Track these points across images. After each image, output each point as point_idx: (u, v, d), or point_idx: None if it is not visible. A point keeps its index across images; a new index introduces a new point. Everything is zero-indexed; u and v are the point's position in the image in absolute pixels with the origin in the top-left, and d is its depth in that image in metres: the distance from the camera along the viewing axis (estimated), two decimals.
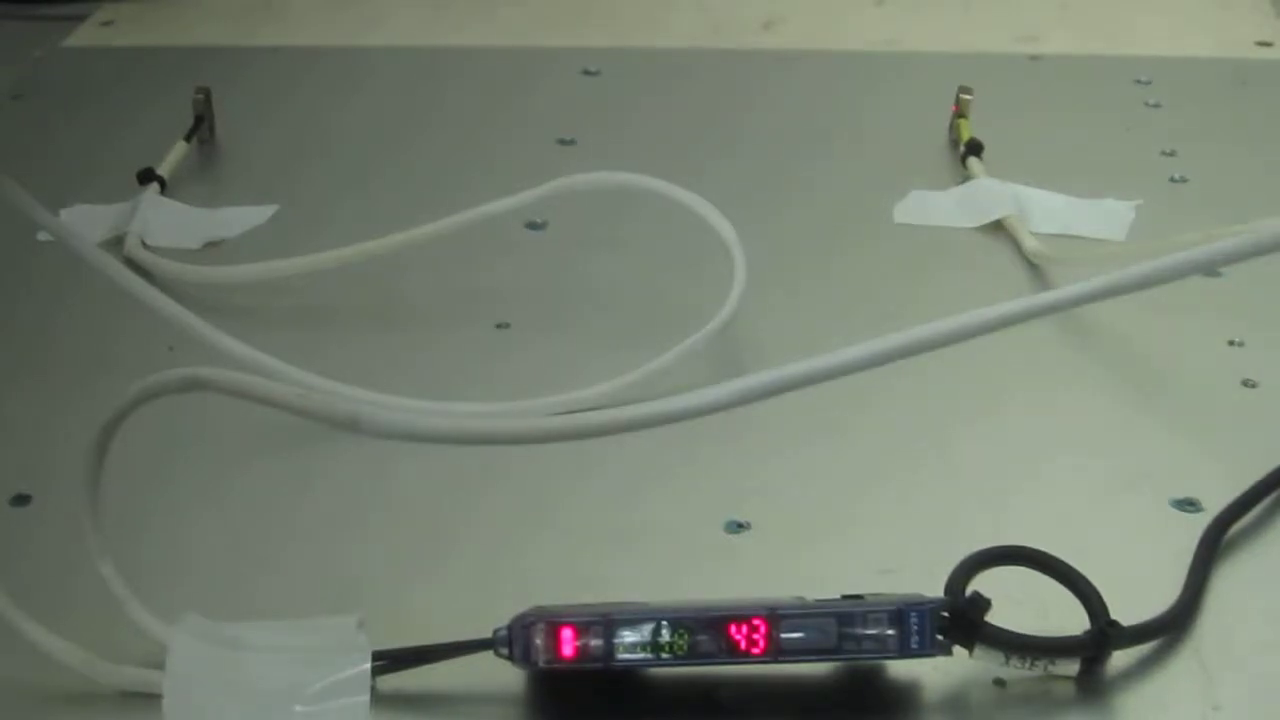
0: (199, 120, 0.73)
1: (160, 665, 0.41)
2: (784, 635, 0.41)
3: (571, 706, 0.42)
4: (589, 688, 0.42)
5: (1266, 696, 0.42)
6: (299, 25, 0.88)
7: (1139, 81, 0.79)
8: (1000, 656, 0.41)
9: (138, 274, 0.58)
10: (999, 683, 0.42)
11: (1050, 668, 0.42)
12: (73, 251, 0.54)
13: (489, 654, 0.41)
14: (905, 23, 0.87)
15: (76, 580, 0.43)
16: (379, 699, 0.42)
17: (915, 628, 0.41)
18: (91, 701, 0.42)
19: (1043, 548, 0.43)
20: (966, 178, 0.69)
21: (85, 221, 0.65)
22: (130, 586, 0.43)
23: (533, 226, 0.66)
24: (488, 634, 0.41)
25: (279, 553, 0.48)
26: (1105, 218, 0.66)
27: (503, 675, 0.42)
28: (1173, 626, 0.43)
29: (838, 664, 0.42)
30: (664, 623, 0.41)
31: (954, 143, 0.72)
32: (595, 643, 0.41)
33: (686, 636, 0.41)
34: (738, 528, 0.48)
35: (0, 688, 0.42)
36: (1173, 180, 0.69)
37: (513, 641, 0.41)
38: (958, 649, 0.41)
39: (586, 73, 0.81)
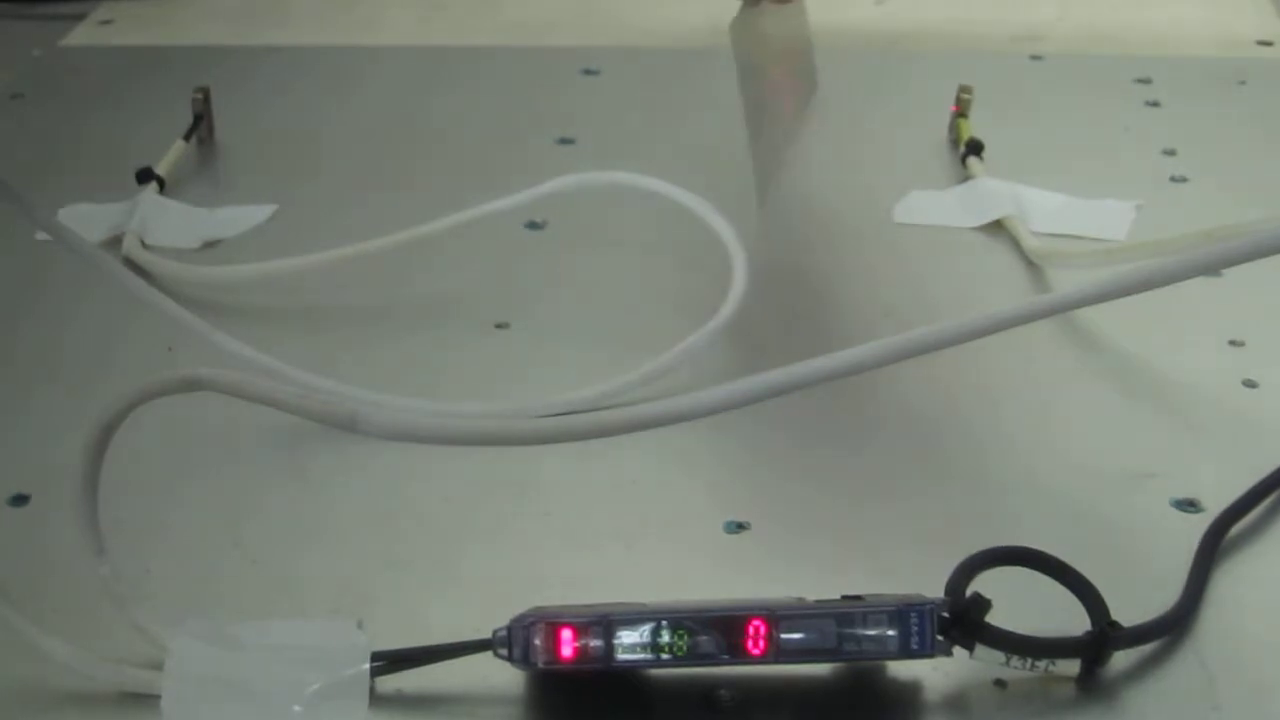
0: (198, 119, 0.73)
1: (160, 665, 0.41)
2: (784, 636, 0.41)
3: (571, 707, 0.42)
4: (588, 688, 0.42)
5: (1267, 697, 0.42)
6: (299, 25, 0.88)
7: (1139, 81, 0.79)
8: (1000, 657, 0.41)
9: (137, 274, 0.58)
10: (999, 683, 0.42)
11: (1050, 668, 0.42)
12: (71, 251, 0.54)
13: (488, 654, 0.41)
14: (905, 22, 0.87)
15: (76, 580, 0.43)
16: (378, 699, 0.42)
17: (915, 628, 0.41)
18: (91, 701, 0.42)
19: (1043, 548, 0.43)
20: (966, 178, 0.69)
21: (84, 221, 0.65)
22: (130, 587, 0.43)
23: (533, 226, 0.66)
24: (487, 634, 0.41)
25: (278, 552, 0.48)
26: (1105, 218, 0.66)
27: (502, 676, 0.42)
28: (1173, 627, 0.43)
29: (838, 664, 0.42)
30: (663, 623, 0.41)
31: (954, 143, 0.72)
32: (595, 643, 0.40)
33: (686, 637, 0.41)
34: (738, 528, 0.48)
35: (0, 688, 0.42)
36: (1173, 180, 0.69)
37: (512, 642, 0.41)
38: (958, 649, 0.41)
39: (586, 73, 0.81)
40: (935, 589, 0.42)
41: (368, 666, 0.41)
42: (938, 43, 0.84)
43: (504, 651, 0.41)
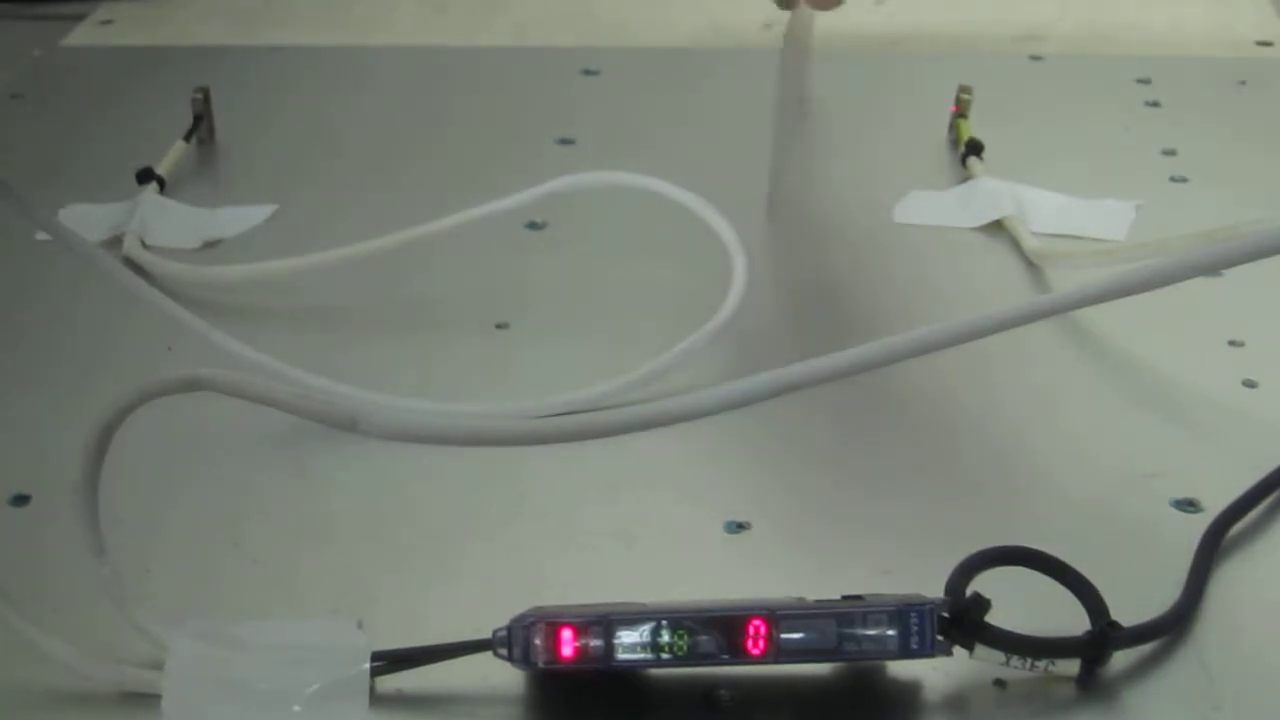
0: (198, 120, 0.73)
1: (160, 665, 0.41)
2: (784, 636, 0.41)
3: (571, 707, 0.42)
4: (588, 688, 0.42)
5: (1267, 697, 0.42)
6: (299, 25, 0.88)
7: (1139, 81, 0.79)
8: (1000, 657, 0.41)
9: (137, 274, 0.58)
10: (999, 683, 0.42)
11: (1050, 668, 0.42)
12: (71, 251, 0.54)
13: (488, 654, 0.41)
14: (905, 23, 0.87)
15: (76, 580, 0.43)
16: (378, 699, 0.42)
17: (915, 628, 0.41)
18: (91, 701, 0.42)
19: (1043, 548, 0.43)
20: (966, 178, 0.69)
21: (84, 221, 0.65)
22: (129, 587, 0.43)
23: (533, 226, 0.66)
24: (487, 634, 0.41)
25: (278, 552, 0.48)
26: (1105, 218, 0.66)
27: (502, 676, 0.42)
28: (1173, 627, 0.43)
29: (838, 664, 0.42)
30: (663, 623, 0.41)
31: (954, 143, 0.72)
32: (595, 643, 0.41)
33: (686, 637, 0.41)
34: (738, 528, 0.48)
35: (0, 688, 0.42)
36: (1173, 180, 0.69)
37: (512, 642, 0.41)
38: (958, 649, 0.41)
39: (586, 73, 0.81)
40: (935, 589, 0.42)
41: (368, 666, 0.41)
42: (938, 43, 0.84)
43: (504, 651, 0.41)
